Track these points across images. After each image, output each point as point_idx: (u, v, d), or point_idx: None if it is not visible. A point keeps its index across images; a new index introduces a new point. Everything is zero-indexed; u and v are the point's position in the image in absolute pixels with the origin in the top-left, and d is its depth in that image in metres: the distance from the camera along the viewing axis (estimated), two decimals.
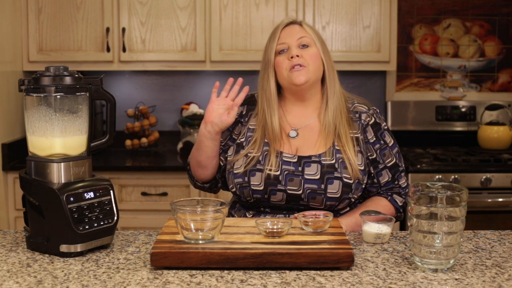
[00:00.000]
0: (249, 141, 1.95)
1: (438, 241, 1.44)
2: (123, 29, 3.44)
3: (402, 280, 1.42)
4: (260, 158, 1.90)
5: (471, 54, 3.91)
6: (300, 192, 1.86)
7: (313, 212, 1.68)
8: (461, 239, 1.47)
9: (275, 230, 1.57)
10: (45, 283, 1.40)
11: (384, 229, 1.69)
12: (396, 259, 1.56)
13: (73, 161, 1.63)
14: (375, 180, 1.96)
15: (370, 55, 3.51)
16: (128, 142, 3.71)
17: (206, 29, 3.47)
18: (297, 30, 1.95)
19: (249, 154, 1.92)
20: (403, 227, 3.29)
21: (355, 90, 3.89)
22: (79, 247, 1.58)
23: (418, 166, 3.26)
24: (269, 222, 1.60)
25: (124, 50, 3.45)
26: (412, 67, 3.90)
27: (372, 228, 1.69)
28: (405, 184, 2.00)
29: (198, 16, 3.46)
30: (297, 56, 1.90)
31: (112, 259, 1.57)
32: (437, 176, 3.23)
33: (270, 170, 1.87)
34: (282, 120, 1.97)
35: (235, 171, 1.91)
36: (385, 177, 1.96)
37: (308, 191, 1.86)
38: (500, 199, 3.27)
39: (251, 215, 1.94)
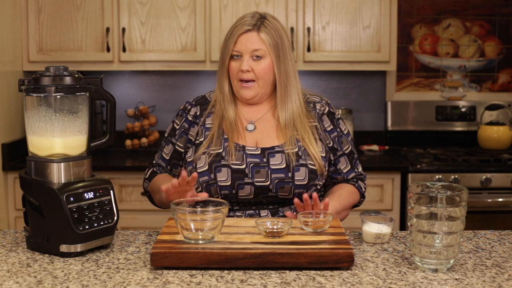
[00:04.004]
0: (206, 138, 1.95)
1: (438, 241, 1.44)
2: (123, 29, 3.44)
3: (402, 280, 1.42)
4: (223, 154, 1.90)
5: (471, 54, 3.91)
6: (268, 183, 1.87)
7: (307, 212, 1.69)
8: (461, 239, 1.47)
9: (275, 230, 1.57)
10: (45, 283, 1.40)
11: (384, 229, 1.69)
12: (396, 259, 1.56)
13: (73, 161, 1.63)
14: (338, 167, 2.01)
15: (370, 55, 3.52)
16: (128, 142, 3.71)
17: (206, 29, 3.47)
18: (254, 40, 1.92)
19: (210, 151, 1.91)
20: (403, 227, 3.30)
21: (355, 90, 3.90)
22: (79, 247, 1.58)
23: (418, 166, 3.26)
24: (269, 222, 1.60)
25: (124, 50, 3.45)
26: (412, 67, 3.90)
27: (372, 228, 1.69)
28: (362, 170, 2.07)
29: (198, 16, 3.46)
30: (248, 71, 1.92)
31: (112, 259, 1.57)
32: (437, 176, 3.23)
33: (234, 164, 1.88)
34: (238, 114, 1.99)
35: (199, 170, 1.90)
36: (344, 164, 2.01)
37: (276, 181, 1.87)
38: (500, 199, 3.27)
39: None
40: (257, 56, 1.93)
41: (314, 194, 1.77)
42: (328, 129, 2.00)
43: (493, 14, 3.88)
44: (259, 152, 1.92)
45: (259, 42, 1.93)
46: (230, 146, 1.91)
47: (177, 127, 2.03)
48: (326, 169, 1.96)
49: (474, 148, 3.71)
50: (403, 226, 3.30)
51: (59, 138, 1.62)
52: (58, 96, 1.61)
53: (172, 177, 2.03)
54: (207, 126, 1.98)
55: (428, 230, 1.44)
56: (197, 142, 1.97)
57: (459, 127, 3.86)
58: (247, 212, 1.90)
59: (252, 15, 1.97)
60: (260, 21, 1.95)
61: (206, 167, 1.89)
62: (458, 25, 3.89)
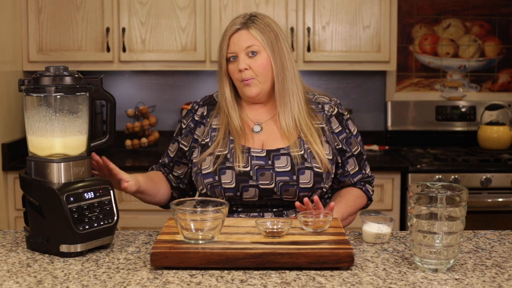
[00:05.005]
0: (213, 141, 1.94)
1: (438, 241, 1.44)
2: (123, 29, 3.44)
3: (402, 280, 1.42)
4: (228, 156, 1.89)
5: (471, 54, 3.91)
6: (273, 185, 1.86)
7: (307, 212, 1.69)
8: (461, 239, 1.47)
9: (275, 230, 1.57)
10: (45, 283, 1.40)
11: (384, 229, 1.69)
12: (396, 259, 1.56)
13: (73, 161, 1.63)
14: (346, 169, 1.98)
15: (370, 55, 3.52)
16: (128, 142, 3.71)
17: (206, 29, 3.47)
18: (245, 38, 1.92)
19: (216, 153, 1.90)
20: (403, 227, 3.30)
21: (355, 90, 3.90)
22: (79, 247, 1.58)
23: (418, 166, 3.26)
24: (269, 222, 1.60)
25: (124, 50, 3.45)
26: (412, 67, 3.90)
27: (372, 228, 1.69)
28: (370, 172, 2.05)
29: (198, 16, 3.46)
30: (246, 69, 1.90)
31: (112, 259, 1.57)
32: (437, 176, 3.23)
33: (239, 166, 1.87)
34: (244, 116, 1.98)
35: (203, 172, 1.89)
36: (352, 165, 1.98)
37: (281, 183, 1.86)
38: (500, 199, 3.27)
39: None
40: (253, 52, 1.90)
41: (315, 197, 1.76)
42: (336, 130, 1.96)
43: (493, 14, 3.88)
44: (264, 154, 1.90)
45: (251, 39, 1.91)
46: (236, 149, 1.90)
47: (184, 126, 2.04)
48: (333, 171, 1.94)
49: (474, 148, 3.71)
50: (403, 226, 3.30)
51: (59, 138, 1.62)
52: (58, 96, 1.61)
53: (165, 177, 2.05)
54: (213, 127, 1.97)
55: (428, 230, 1.44)
56: (203, 142, 1.97)
57: (459, 127, 3.87)
58: (251, 214, 1.89)
59: (243, 16, 1.97)
60: (250, 20, 1.95)
61: (211, 169, 1.88)
62: (458, 25, 3.89)
